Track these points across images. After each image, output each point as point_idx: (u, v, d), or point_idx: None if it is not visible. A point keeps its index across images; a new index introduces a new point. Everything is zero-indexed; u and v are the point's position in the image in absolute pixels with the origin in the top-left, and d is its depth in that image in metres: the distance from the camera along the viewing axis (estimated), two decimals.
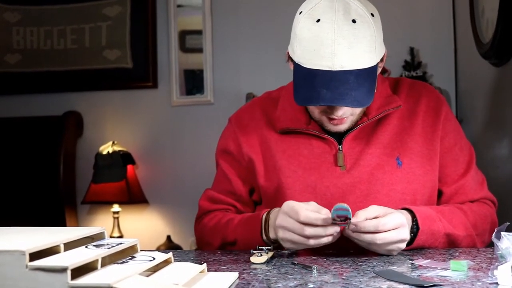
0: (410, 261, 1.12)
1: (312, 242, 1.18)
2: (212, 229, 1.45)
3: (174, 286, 0.79)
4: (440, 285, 0.88)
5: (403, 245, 1.19)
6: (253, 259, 1.16)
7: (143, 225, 3.45)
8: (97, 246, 0.86)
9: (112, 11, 3.50)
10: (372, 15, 1.26)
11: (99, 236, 0.94)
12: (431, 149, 1.40)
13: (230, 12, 3.40)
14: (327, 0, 1.25)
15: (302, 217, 1.16)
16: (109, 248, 0.84)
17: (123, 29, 3.48)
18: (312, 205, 1.20)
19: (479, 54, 2.41)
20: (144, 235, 3.35)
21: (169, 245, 3.22)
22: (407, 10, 3.21)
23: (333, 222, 1.15)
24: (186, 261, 1.05)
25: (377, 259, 1.16)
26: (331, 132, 1.39)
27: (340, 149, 1.38)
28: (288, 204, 1.21)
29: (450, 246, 1.31)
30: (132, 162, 3.36)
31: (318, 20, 1.23)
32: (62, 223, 3.25)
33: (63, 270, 0.71)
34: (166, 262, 0.92)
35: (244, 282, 0.96)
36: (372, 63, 1.25)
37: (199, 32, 3.43)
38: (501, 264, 0.89)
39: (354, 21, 1.22)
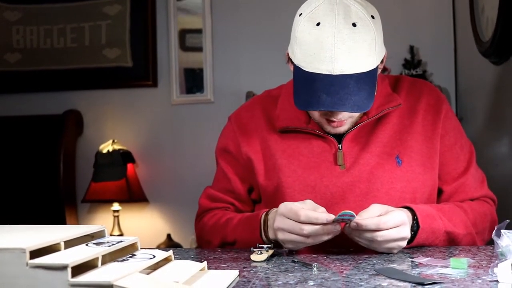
0: (410, 259, 1.12)
1: (311, 240, 1.18)
2: (212, 228, 1.46)
3: (174, 284, 0.79)
4: (440, 282, 0.88)
5: (403, 243, 1.19)
6: (253, 257, 1.16)
7: (143, 224, 3.45)
8: (97, 244, 0.86)
9: (112, 10, 3.50)
10: (373, 17, 1.25)
11: (100, 234, 0.94)
12: (431, 147, 1.40)
13: (230, 11, 3.40)
14: (327, 3, 1.25)
15: (302, 217, 1.16)
16: (109, 246, 0.84)
17: (123, 28, 3.48)
18: (308, 203, 1.20)
19: (479, 52, 2.41)
20: (144, 234, 3.36)
21: (169, 244, 3.22)
22: (407, 9, 3.21)
23: (335, 221, 1.15)
24: (186, 259, 1.05)
25: (377, 257, 1.16)
26: None
27: (340, 148, 1.38)
28: (286, 206, 1.21)
29: (450, 244, 1.31)
30: (132, 160, 3.36)
31: (318, 24, 1.23)
32: (62, 222, 3.25)
33: (63, 268, 0.71)
34: (166, 260, 0.92)
35: (244, 279, 0.96)
36: (372, 66, 1.25)
37: (199, 31, 3.43)
38: (501, 261, 0.89)
39: (354, 24, 1.22)
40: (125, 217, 3.41)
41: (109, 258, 0.84)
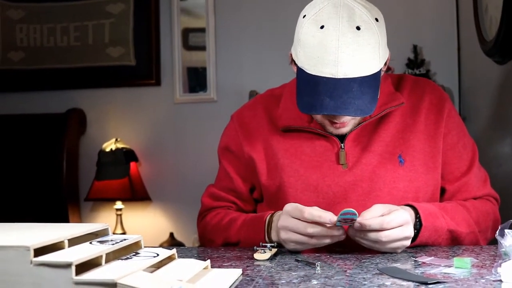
0: (414, 258, 1.12)
1: (314, 241, 1.18)
2: (215, 227, 1.46)
3: (178, 282, 0.80)
4: (444, 282, 0.88)
5: (407, 242, 1.19)
6: (256, 255, 1.16)
7: (146, 222, 3.46)
8: (101, 242, 0.86)
9: (115, 9, 3.50)
10: (377, 20, 1.25)
11: (103, 232, 0.94)
12: (433, 146, 1.39)
13: (233, 10, 3.40)
14: (331, 5, 1.24)
15: (306, 214, 1.16)
16: (113, 244, 0.85)
17: (126, 27, 3.49)
18: (315, 208, 1.20)
19: (483, 51, 2.40)
20: (147, 232, 3.36)
21: (172, 242, 3.23)
22: (410, 8, 3.21)
23: (338, 224, 1.15)
24: (190, 257, 1.05)
25: (380, 256, 1.16)
26: None
27: (342, 147, 1.38)
28: (291, 205, 1.21)
29: (453, 242, 1.31)
30: (135, 159, 3.36)
31: (322, 27, 1.22)
32: (65, 220, 3.26)
33: (67, 265, 0.71)
34: (170, 259, 0.92)
35: (247, 278, 0.96)
36: (375, 70, 1.25)
37: (202, 30, 3.43)
38: (505, 261, 0.89)
39: (358, 28, 1.21)
40: (128, 216, 3.41)
41: (112, 256, 0.84)
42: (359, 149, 1.38)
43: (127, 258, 0.85)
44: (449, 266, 1.00)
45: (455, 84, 3.10)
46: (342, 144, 1.38)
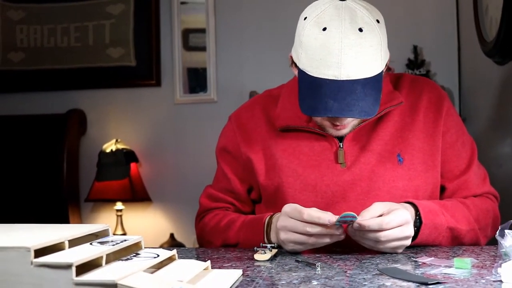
0: (414, 259, 1.12)
1: (313, 240, 1.18)
2: (213, 229, 1.46)
3: (178, 283, 0.80)
4: (444, 282, 0.88)
5: (407, 242, 1.19)
6: (257, 256, 1.16)
7: (146, 223, 3.46)
8: (101, 243, 0.86)
9: (115, 9, 3.50)
10: (378, 21, 1.25)
11: (104, 233, 0.94)
12: (432, 145, 1.39)
13: (234, 10, 3.40)
14: (333, 7, 1.24)
15: (305, 215, 1.16)
16: (113, 245, 0.85)
17: (127, 27, 3.49)
18: (314, 209, 1.20)
19: (483, 52, 2.40)
20: (147, 233, 3.36)
21: (172, 243, 3.23)
22: (410, 8, 3.21)
23: (337, 224, 1.15)
24: (190, 258, 1.05)
25: (380, 256, 1.16)
26: None
27: (341, 146, 1.38)
28: (290, 206, 1.21)
29: (453, 240, 1.31)
30: (136, 160, 3.36)
31: (324, 29, 1.22)
32: (66, 221, 3.26)
33: (68, 266, 0.71)
34: (170, 259, 0.92)
35: (248, 279, 0.96)
36: (378, 71, 1.25)
37: (202, 31, 3.43)
38: (505, 262, 0.89)
39: (360, 29, 1.22)
40: (128, 217, 3.41)
41: (113, 257, 0.84)
42: (358, 148, 1.38)
43: (127, 259, 0.85)
44: (449, 267, 1.01)
45: (455, 84, 3.10)
46: (341, 143, 1.38)
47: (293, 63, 1.34)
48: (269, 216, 1.33)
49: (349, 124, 1.34)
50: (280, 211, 1.25)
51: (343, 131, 1.36)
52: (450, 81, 3.08)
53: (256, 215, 1.45)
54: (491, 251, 1.19)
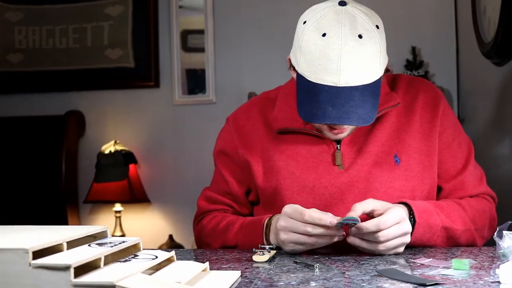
0: (412, 260, 1.13)
1: (313, 240, 1.18)
2: (212, 231, 1.46)
3: (176, 285, 0.80)
4: (442, 283, 0.88)
5: (407, 239, 1.19)
6: (255, 257, 1.16)
7: (145, 225, 3.46)
8: (100, 244, 0.86)
9: (114, 11, 3.50)
10: (377, 27, 1.25)
11: (102, 235, 0.94)
12: (429, 145, 1.39)
13: (232, 12, 3.40)
14: (332, 12, 1.24)
15: (306, 216, 1.16)
16: (112, 246, 0.85)
17: (125, 29, 3.49)
18: (315, 210, 1.20)
19: (481, 53, 2.41)
20: (146, 234, 3.36)
21: (171, 244, 3.22)
22: (409, 9, 3.21)
23: (338, 226, 1.15)
24: (189, 259, 1.06)
25: (379, 258, 1.16)
26: None
27: (338, 148, 1.38)
28: (290, 206, 1.21)
29: (449, 240, 1.31)
30: (134, 161, 3.36)
31: (324, 34, 1.22)
32: (64, 222, 3.25)
33: (66, 268, 0.71)
34: (168, 261, 0.92)
35: (246, 280, 0.96)
36: (376, 77, 1.25)
37: (201, 32, 3.43)
38: (503, 263, 0.89)
39: (360, 36, 1.21)
40: (127, 218, 3.41)
41: (111, 258, 0.84)
42: (355, 150, 1.38)
43: (126, 261, 0.85)
44: (448, 268, 1.01)
45: (453, 85, 3.10)
46: (338, 145, 1.38)
47: (291, 66, 1.34)
48: (268, 218, 1.33)
49: (347, 128, 1.34)
50: (279, 213, 1.25)
51: (341, 135, 1.36)
52: (449, 82, 3.09)
53: (255, 217, 1.45)
54: (489, 252, 1.19)
